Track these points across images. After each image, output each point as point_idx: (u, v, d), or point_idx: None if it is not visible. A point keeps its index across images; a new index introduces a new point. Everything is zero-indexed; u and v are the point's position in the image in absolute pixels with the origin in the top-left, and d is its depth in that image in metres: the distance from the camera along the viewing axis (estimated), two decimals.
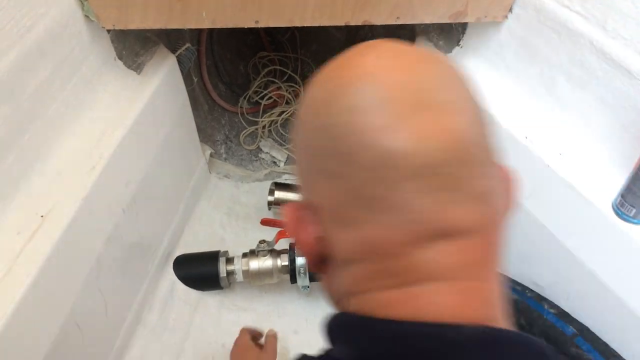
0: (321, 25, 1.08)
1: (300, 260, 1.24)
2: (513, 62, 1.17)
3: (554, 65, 1.07)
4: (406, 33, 1.36)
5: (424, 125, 0.35)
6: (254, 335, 1.11)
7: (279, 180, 1.45)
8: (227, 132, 1.63)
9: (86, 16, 0.97)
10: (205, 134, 1.52)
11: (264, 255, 1.28)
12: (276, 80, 1.75)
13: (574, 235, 1.04)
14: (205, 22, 1.02)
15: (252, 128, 1.66)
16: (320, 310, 1.32)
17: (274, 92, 1.72)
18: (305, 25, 1.07)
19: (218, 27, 1.04)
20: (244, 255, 1.30)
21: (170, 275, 1.26)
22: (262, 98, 1.72)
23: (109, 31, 1.05)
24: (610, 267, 0.98)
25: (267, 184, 1.59)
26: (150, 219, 1.17)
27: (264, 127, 1.67)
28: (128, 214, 1.03)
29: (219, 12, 1.01)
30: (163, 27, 1.01)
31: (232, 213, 1.48)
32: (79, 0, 0.95)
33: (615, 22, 0.95)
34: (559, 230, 1.06)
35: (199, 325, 1.25)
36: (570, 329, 1.04)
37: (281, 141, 1.65)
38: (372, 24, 1.09)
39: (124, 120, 1.02)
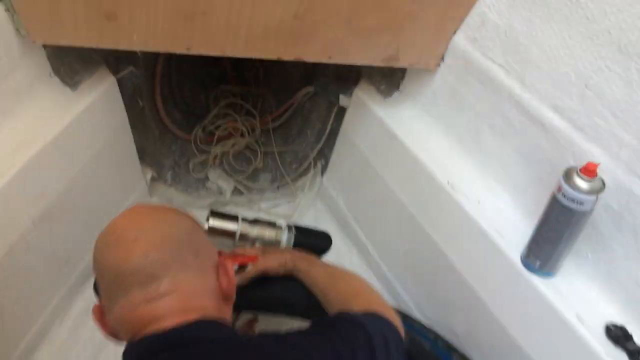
0: (254, 57, 1.11)
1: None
2: (444, 109, 1.20)
3: (479, 114, 1.10)
4: (353, 75, 1.39)
5: (124, 253, 0.67)
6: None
7: (218, 209, 1.45)
8: (176, 158, 1.65)
9: (17, 30, 1.00)
10: (152, 158, 1.54)
11: None
12: (232, 113, 1.78)
13: (486, 285, 1.04)
14: (137, 45, 1.05)
15: (203, 156, 1.69)
16: None
17: (230, 124, 1.75)
18: (237, 56, 1.10)
19: (150, 50, 1.07)
20: None
21: (89, 292, 1.25)
22: (217, 128, 1.75)
23: (45, 47, 1.08)
24: (518, 321, 0.99)
25: None
26: (71, 234, 1.18)
27: (215, 157, 1.69)
28: (39, 226, 1.04)
29: (150, 35, 1.04)
30: (95, 47, 1.04)
31: None
32: (9, 14, 0.98)
33: (533, 77, 0.99)
34: (473, 279, 1.07)
35: (112, 347, 1.23)
36: None
37: (230, 172, 1.67)
38: (304, 60, 1.12)
39: (46, 133, 1.04)
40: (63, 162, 1.10)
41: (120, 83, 1.26)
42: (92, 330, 1.22)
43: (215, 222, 1.42)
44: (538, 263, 0.92)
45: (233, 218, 1.44)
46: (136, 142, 1.44)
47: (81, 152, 1.16)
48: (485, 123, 1.09)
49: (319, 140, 1.57)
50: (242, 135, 1.75)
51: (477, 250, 1.04)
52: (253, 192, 1.65)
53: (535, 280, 0.93)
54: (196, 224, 0.80)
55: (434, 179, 1.11)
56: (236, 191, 1.64)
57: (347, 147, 1.45)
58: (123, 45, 1.05)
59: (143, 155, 1.50)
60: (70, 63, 1.16)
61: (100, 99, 1.18)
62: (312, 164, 1.61)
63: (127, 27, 1.02)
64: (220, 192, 1.62)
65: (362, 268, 1.43)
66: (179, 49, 1.07)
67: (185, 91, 1.80)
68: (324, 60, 1.13)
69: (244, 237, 1.42)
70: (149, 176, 1.48)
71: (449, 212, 1.09)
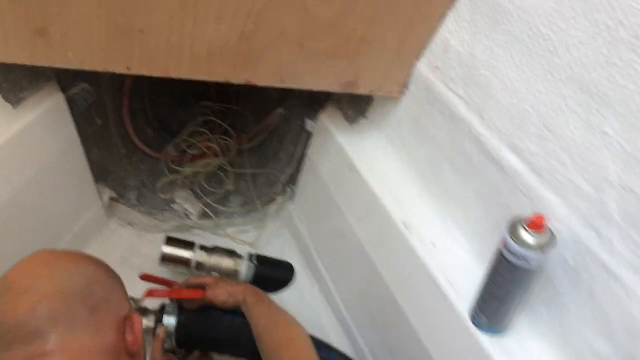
0: (200, 79, 1.05)
1: (169, 327, 1.16)
2: (408, 140, 1.12)
3: (440, 148, 1.02)
4: (323, 98, 1.32)
5: (10, 304, 0.62)
6: None
7: (175, 236, 1.39)
8: (144, 178, 1.59)
9: None
10: (114, 177, 1.48)
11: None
12: (206, 132, 1.72)
13: (434, 337, 0.96)
14: (74, 63, 1.00)
15: (173, 177, 1.63)
16: None
17: (204, 144, 1.69)
18: (182, 77, 1.04)
19: (88, 69, 1.01)
20: None
21: None
22: (190, 147, 1.69)
23: None
24: None
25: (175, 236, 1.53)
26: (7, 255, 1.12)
27: (185, 177, 1.62)
28: None
29: (87, 53, 0.98)
30: (29, 64, 0.99)
31: (125, 263, 1.42)
32: None
33: (493, 112, 0.90)
34: (421, 329, 0.98)
35: None
36: None
37: (201, 194, 1.60)
38: (255, 84, 1.05)
39: None
40: None
41: (71, 100, 1.21)
42: None
43: (169, 250, 1.35)
44: (485, 320, 0.83)
45: (189, 245, 1.37)
46: (95, 161, 1.38)
47: (16, 172, 1.10)
48: (447, 158, 1.00)
49: (290, 165, 1.50)
50: (216, 155, 1.69)
51: (426, 299, 0.95)
52: (221, 217, 1.58)
53: (483, 338, 0.84)
54: (105, 274, 0.75)
55: (389, 218, 1.03)
56: (204, 215, 1.57)
57: (311, 174, 1.37)
58: (59, 64, 1.00)
59: (104, 174, 1.45)
60: (16, 80, 1.11)
61: (44, 117, 1.13)
62: (282, 189, 1.53)
63: (60, 44, 0.96)
64: (187, 215, 1.56)
65: (322, 305, 1.34)
66: (119, 68, 1.01)
67: (160, 107, 1.74)
68: (277, 84, 1.06)
69: (200, 266, 1.35)
70: (106, 197, 1.42)
71: (402, 254, 1.01)
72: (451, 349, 0.91)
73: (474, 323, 0.86)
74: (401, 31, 0.99)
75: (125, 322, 0.72)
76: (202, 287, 1.14)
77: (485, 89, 0.91)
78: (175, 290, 1.19)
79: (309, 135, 1.37)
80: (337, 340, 1.26)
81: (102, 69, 1.01)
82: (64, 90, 1.20)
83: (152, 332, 1.18)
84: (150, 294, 1.19)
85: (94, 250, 1.40)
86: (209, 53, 1.00)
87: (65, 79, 1.21)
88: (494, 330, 0.84)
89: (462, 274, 0.93)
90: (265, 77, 1.05)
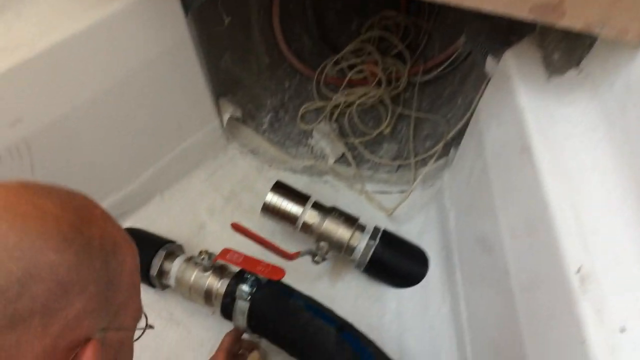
0: None
1: (241, 303, 0.93)
2: (637, 124, 0.63)
3: None
4: (521, 27, 0.86)
5: None
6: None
7: (287, 183, 1.11)
8: (286, 99, 1.31)
9: None
10: (247, 93, 1.23)
11: (204, 270, 0.99)
12: (375, 51, 1.35)
13: None
14: None
15: (322, 103, 1.32)
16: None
17: (370, 67, 1.33)
18: None
19: None
20: (189, 259, 1.03)
21: None
22: (352, 68, 1.35)
23: None
24: None
25: (301, 179, 1.26)
26: (86, 162, 0.98)
27: (336, 106, 1.31)
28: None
29: None
30: None
31: (233, 199, 1.20)
32: None
33: None
34: None
35: None
36: None
37: (348, 130, 1.28)
38: None
39: (42, 39, 0.81)
40: (70, 79, 0.87)
41: None
42: None
43: (274, 199, 1.08)
44: None
45: (301, 199, 1.09)
46: (224, 68, 1.14)
47: (100, 68, 0.90)
48: None
49: (464, 116, 1.08)
50: (379, 83, 1.32)
51: None
52: (363, 166, 1.24)
53: None
54: (75, 262, 0.42)
55: (557, 253, 0.59)
56: (343, 159, 1.26)
57: (474, 140, 0.94)
58: None
59: (233, 87, 1.21)
60: None
61: (141, 4, 0.90)
62: (446, 148, 1.12)
63: None
64: (322, 156, 1.26)
65: (447, 329, 0.94)
66: None
67: (327, 11, 1.41)
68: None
69: (307, 228, 1.07)
70: (226, 116, 1.18)
71: (559, 320, 0.58)
72: None
73: None
74: None
75: (72, 352, 0.42)
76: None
77: None
78: (250, 260, 0.93)
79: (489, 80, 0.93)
80: None
81: None
82: None
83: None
84: (223, 254, 0.96)
85: (198, 178, 1.20)
86: None
87: None
88: None
89: None
90: None
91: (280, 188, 1.08)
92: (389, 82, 1.33)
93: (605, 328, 0.53)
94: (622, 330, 0.53)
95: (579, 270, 0.57)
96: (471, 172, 0.92)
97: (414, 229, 1.11)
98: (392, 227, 1.10)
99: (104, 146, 1.01)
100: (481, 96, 0.95)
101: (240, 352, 0.96)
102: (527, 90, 0.76)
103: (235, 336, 0.92)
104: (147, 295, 1.05)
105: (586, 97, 0.73)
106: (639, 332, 0.52)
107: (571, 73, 0.76)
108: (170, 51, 1.00)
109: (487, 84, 0.92)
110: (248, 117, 1.26)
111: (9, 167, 0.86)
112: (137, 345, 0.91)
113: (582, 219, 0.61)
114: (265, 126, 1.28)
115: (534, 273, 0.66)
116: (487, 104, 0.89)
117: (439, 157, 1.15)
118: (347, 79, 1.34)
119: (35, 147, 0.88)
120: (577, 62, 0.75)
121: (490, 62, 0.90)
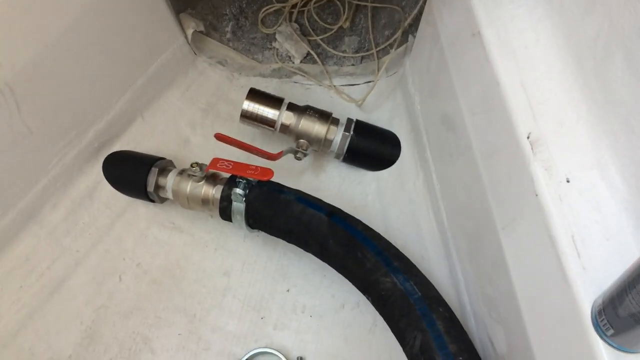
0: None
1: (237, 205, 1.04)
2: (572, 5, 0.72)
3: (616, 24, 0.64)
4: None
5: None
6: None
7: (259, 88, 1.18)
8: (244, 5, 1.35)
9: None
10: (206, 4, 1.27)
11: (198, 181, 1.09)
12: None
13: (534, 310, 0.69)
14: None
15: (279, 5, 1.36)
16: (262, 254, 1.14)
17: None
18: None
19: None
20: (181, 172, 1.13)
21: (96, 172, 1.14)
22: None
23: None
24: None
25: (272, 82, 1.34)
26: (66, 95, 1.04)
27: (294, 6, 1.35)
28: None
29: None
30: None
31: (210, 110, 1.28)
32: None
33: None
34: (520, 287, 0.72)
35: (117, 235, 1.14)
36: None
37: (310, 29, 1.34)
38: None
39: None
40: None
41: None
42: (94, 219, 1.14)
43: (250, 106, 1.17)
44: (611, 332, 0.55)
45: (276, 102, 1.18)
46: None
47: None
48: (623, 43, 0.62)
49: (417, 4, 1.15)
50: None
51: (535, 260, 0.67)
52: (328, 62, 1.32)
53: (602, 348, 0.57)
54: None
55: (510, 122, 0.71)
56: (309, 58, 1.33)
57: (429, 28, 1.02)
58: None
59: (192, 0, 1.25)
60: None
61: None
62: (404, 35, 1.21)
63: None
64: (289, 57, 1.33)
65: (423, 201, 1.09)
66: None
67: None
68: None
69: (285, 129, 1.17)
70: (190, 31, 1.23)
71: (516, 183, 0.71)
72: (557, 350, 0.65)
73: (594, 324, 0.58)
74: None
75: None
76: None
77: None
78: (240, 165, 1.03)
79: None
80: (432, 248, 1.04)
81: None
82: None
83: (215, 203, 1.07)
84: (213, 164, 1.06)
85: (173, 95, 1.27)
86: None
87: None
88: (620, 348, 0.56)
89: (601, 239, 0.62)
90: None
91: (254, 95, 1.16)
92: None
93: (553, 181, 0.66)
94: (568, 181, 0.66)
95: (529, 137, 0.69)
96: (430, 58, 1.02)
97: (383, 115, 1.22)
98: (363, 117, 1.21)
99: (80, 78, 1.06)
100: None
101: None
102: None
103: None
104: (149, 209, 1.17)
105: None
106: (581, 181, 0.66)
107: None
108: None
109: None
110: (210, 28, 1.31)
111: None
112: (149, 251, 1.04)
113: (529, 91, 0.72)
114: (228, 35, 1.33)
115: (492, 143, 0.78)
116: None
117: (399, 45, 1.23)
118: None
119: (17, 89, 0.94)
120: None
121: None
